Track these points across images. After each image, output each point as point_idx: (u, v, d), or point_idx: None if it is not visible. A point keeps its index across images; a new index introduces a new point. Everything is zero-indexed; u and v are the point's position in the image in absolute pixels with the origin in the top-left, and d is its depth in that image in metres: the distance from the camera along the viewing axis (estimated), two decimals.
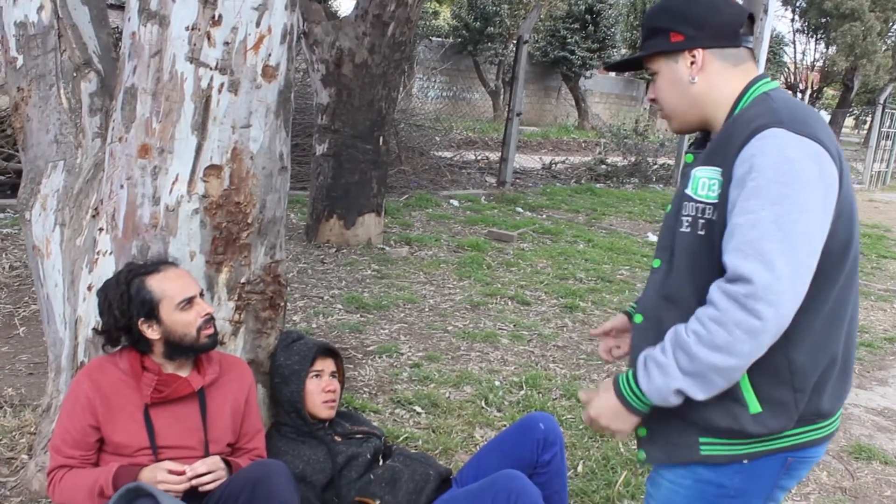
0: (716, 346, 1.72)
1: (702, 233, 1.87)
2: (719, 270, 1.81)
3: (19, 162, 7.93)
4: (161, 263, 2.66)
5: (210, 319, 2.64)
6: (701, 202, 1.87)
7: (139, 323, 2.56)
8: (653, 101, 2.07)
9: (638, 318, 2.06)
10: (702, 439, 1.90)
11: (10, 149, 8.36)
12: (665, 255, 1.98)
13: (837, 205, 1.78)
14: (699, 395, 1.78)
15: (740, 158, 1.78)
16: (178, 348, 2.60)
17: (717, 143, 1.89)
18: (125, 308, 2.55)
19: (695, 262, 1.89)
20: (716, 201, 1.84)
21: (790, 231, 1.70)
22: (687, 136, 15.60)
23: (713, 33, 1.93)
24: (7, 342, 4.76)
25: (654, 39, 2.00)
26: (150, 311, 2.55)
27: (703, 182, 1.88)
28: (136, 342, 2.61)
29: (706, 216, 1.86)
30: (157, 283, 2.58)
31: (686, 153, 2.06)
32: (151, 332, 2.57)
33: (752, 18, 1.97)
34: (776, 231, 1.69)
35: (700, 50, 1.93)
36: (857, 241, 1.90)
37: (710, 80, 1.94)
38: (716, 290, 1.76)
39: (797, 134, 1.75)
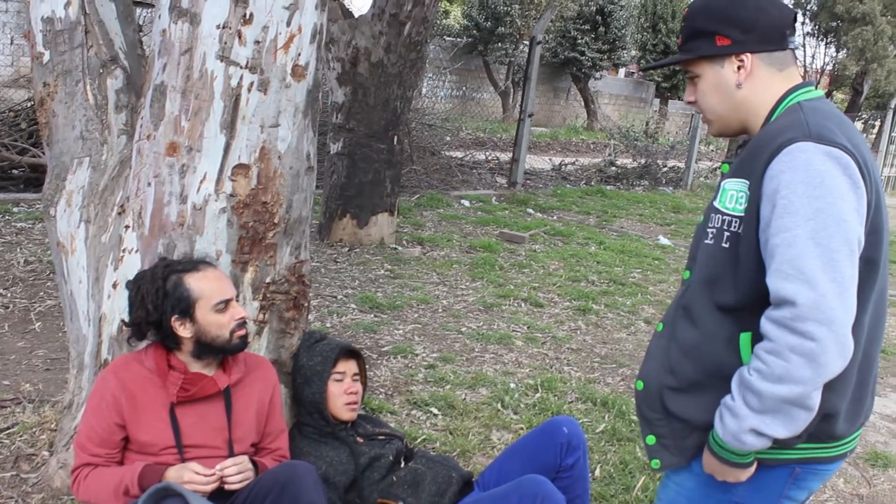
0: (778, 378, 1.67)
1: (726, 245, 1.83)
2: (741, 287, 1.79)
3: (33, 156, 7.94)
4: (200, 262, 2.64)
5: (243, 323, 2.63)
6: (728, 215, 1.83)
7: (172, 320, 2.53)
8: (691, 103, 2.01)
9: (659, 327, 2.04)
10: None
11: (24, 142, 8.34)
12: (693, 265, 1.96)
13: (868, 219, 1.74)
14: (781, 431, 1.72)
15: (768, 175, 1.73)
16: (208, 348, 2.58)
17: (746, 154, 1.84)
18: (159, 303, 2.52)
19: (714, 275, 1.85)
20: (742, 214, 1.80)
21: (828, 245, 1.65)
22: (700, 139, 15.58)
23: (761, 36, 1.86)
24: (23, 337, 4.76)
25: (697, 41, 1.92)
26: (186, 309, 2.53)
27: (731, 195, 1.84)
28: (165, 338, 2.59)
29: (732, 229, 1.82)
30: (196, 283, 2.56)
31: (723, 163, 2.01)
32: (183, 331, 2.55)
33: (795, 18, 1.90)
34: (814, 247, 1.65)
35: (748, 55, 1.87)
36: (886, 259, 1.84)
37: (755, 86, 1.89)
38: (765, 321, 1.71)
39: (825, 145, 1.70)
